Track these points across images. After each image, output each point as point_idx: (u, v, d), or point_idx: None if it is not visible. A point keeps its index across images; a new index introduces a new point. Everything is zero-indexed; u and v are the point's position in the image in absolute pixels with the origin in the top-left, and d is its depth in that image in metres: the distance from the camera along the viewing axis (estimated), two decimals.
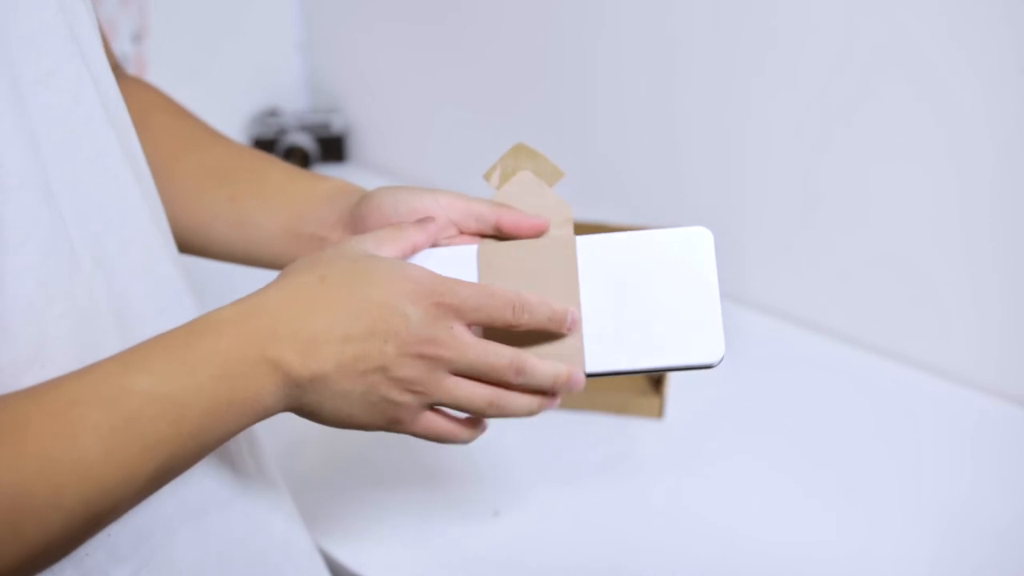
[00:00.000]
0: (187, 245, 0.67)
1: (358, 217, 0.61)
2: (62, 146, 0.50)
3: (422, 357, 0.52)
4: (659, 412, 1.02)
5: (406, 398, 0.53)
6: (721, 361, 0.58)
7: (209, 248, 0.67)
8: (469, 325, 0.54)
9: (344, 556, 0.86)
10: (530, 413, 0.56)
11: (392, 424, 0.55)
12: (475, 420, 0.58)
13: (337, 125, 1.53)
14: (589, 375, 0.58)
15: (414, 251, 0.58)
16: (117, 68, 0.68)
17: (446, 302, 0.53)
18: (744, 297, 1.21)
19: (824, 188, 1.11)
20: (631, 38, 1.19)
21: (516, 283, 0.57)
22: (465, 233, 0.61)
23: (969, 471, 0.96)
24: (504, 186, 0.62)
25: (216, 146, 0.69)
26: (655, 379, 1.07)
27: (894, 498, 0.92)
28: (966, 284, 1.05)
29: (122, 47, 1.25)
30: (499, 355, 0.54)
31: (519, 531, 0.89)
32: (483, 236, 0.61)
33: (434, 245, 0.60)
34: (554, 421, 1.01)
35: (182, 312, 0.58)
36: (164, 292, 0.58)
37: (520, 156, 0.62)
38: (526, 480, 0.94)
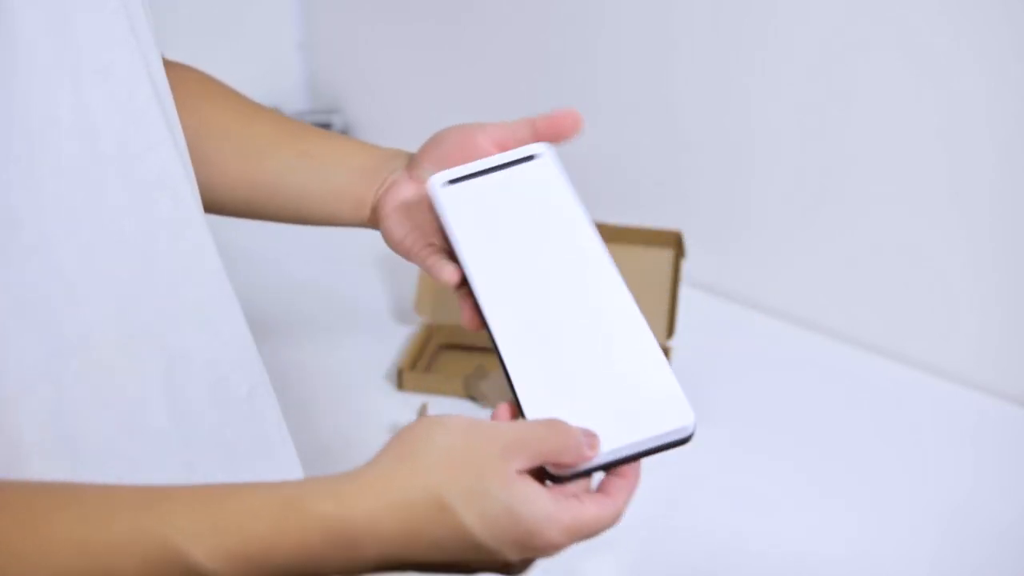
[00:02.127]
0: (250, 205, 0.69)
1: (429, 145, 0.66)
2: (117, 139, 0.51)
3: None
4: None
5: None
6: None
7: (272, 202, 0.69)
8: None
9: None
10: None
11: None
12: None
13: (337, 125, 1.53)
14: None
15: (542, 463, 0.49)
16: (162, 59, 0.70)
17: (548, 552, 0.49)
18: (744, 297, 1.21)
19: (824, 188, 1.11)
20: (631, 38, 1.19)
21: None
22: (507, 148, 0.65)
23: (969, 471, 0.96)
24: None
25: (276, 115, 0.73)
26: None
27: (894, 498, 0.92)
28: (966, 284, 1.05)
29: None
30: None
31: None
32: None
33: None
34: None
35: (225, 306, 0.59)
36: (209, 289, 0.58)
37: None
38: None
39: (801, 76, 1.08)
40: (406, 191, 0.65)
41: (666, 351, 1.07)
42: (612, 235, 1.10)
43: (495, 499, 0.46)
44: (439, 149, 0.66)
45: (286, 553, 0.45)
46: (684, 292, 1.16)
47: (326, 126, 1.52)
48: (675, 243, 1.08)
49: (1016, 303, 1.02)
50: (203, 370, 0.57)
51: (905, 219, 1.07)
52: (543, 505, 0.47)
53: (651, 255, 1.10)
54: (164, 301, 0.54)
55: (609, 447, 0.50)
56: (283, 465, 0.64)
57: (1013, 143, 0.97)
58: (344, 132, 1.53)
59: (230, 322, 0.60)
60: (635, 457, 0.52)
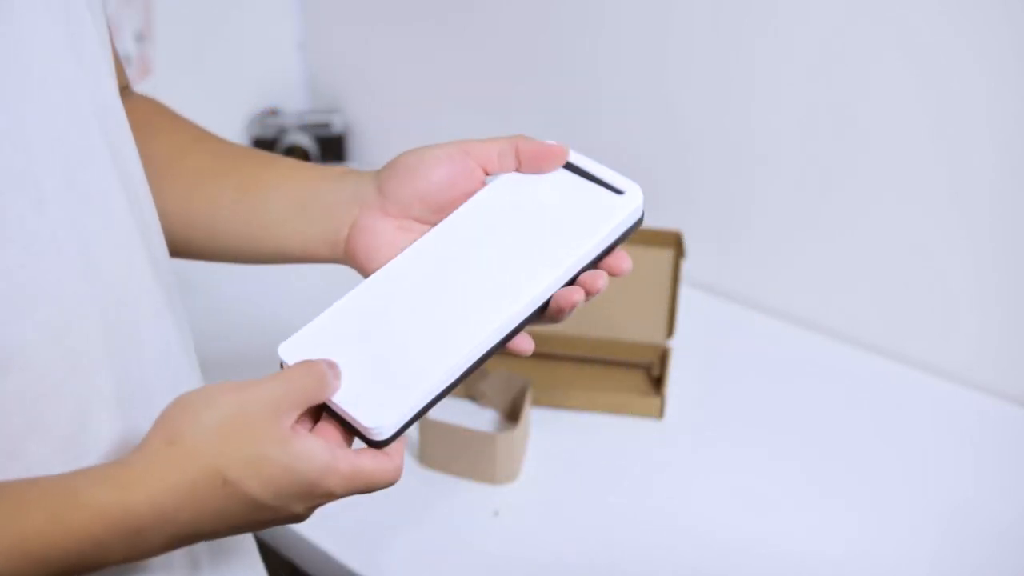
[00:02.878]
0: (191, 245, 0.65)
1: (391, 179, 0.59)
2: (53, 152, 0.49)
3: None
4: (659, 412, 1.02)
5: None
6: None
7: (214, 241, 0.65)
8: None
9: (345, 556, 0.86)
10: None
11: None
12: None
13: (337, 125, 1.53)
14: None
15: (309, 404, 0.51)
16: (126, 89, 0.68)
17: (334, 497, 0.51)
18: (744, 297, 1.21)
19: (824, 188, 1.11)
20: (631, 38, 1.19)
21: None
22: (490, 172, 0.60)
23: (969, 471, 0.96)
24: None
25: (220, 144, 0.68)
26: (655, 379, 1.07)
27: (894, 498, 0.92)
28: (966, 284, 1.05)
29: (125, 47, 1.25)
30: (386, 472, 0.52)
31: (519, 531, 0.89)
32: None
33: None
34: (554, 421, 1.01)
35: (165, 331, 0.57)
36: (149, 310, 0.56)
37: None
38: (526, 480, 0.94)
39: (801, 76, 1.08)
40: (386, 235, 0.59)
41: (666, 351, 1.07)
42: None
43: (274, 462, 0.48)
44: (411, 176, 0.59)
45: (67, 547, 0.45)
46: (684, 292, 1.16)
47: (326, 126, 1.52)
48: (675, 243, 1.08)
49: (1016, 303, 1.02)
50: (146, 391, 0.55)
51: (905, 219, 1.07)
52: (320, 457, 0.48)
53: (651, 255, 1.10)
54: (104, 320, 0.52)
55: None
56: None
57: (1013, 143, 0.97)
58: (344, 132, 1.53)
59: (176, 341, 0.58)
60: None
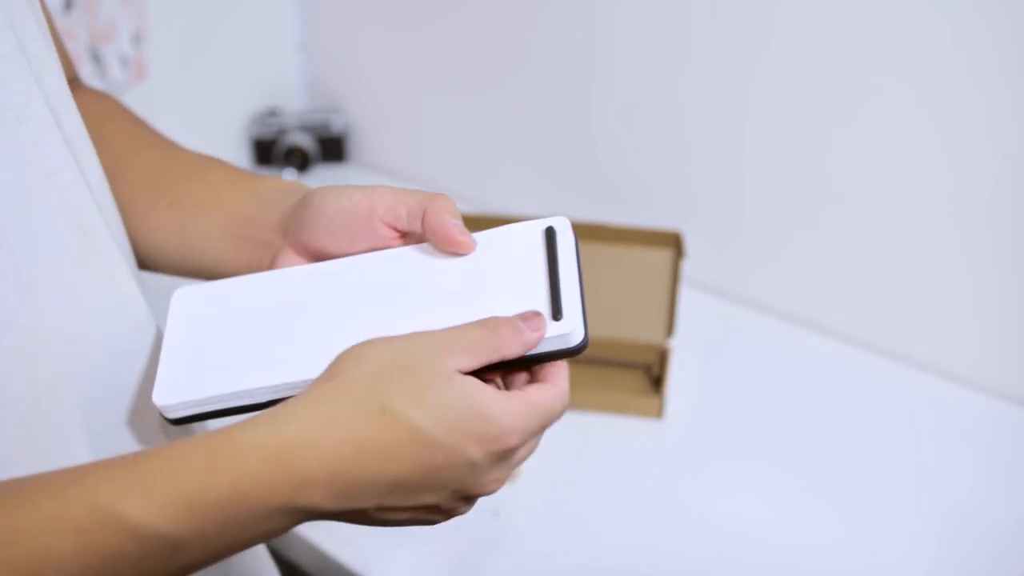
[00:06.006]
0: (139, 261, 0.62)
1: (294, 219, 0.54)
2: (8, 168, 0.47)
3: (478, 496, 0.48)
4: (659, 412, 1.02)
5: (453, 514, 0.49)
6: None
7: (156, 260, 0.62)
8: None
9: (344, 556, 0.86)
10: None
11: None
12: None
13: (337, 125, 1.53)
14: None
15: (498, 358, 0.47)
16: (75, 81, 0.65)
17: (512, 446, 0.46)
18: (745, 297, 1.21)
19: (824, 188, 1.11)
20: (631, 40, 1.19)
21: None
22: (399, 229, 0.53)
23: (969, 471, 0.96)
24: None
25: (160, 152, 0.64)
26: (655, 379, 1.07)
27: (894, 498, 0.92)
28: (966, 284, 1.05)
29: (122, 48, 1.25)
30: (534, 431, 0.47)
31: (519, 531, 0.89)
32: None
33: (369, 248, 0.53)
34: None
35: (143, 342, 0.54)
36: (125, 322, 0.53)
37: None
38: (526, 480, 0.94)
39: (801, 77, 1.08)
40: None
41: (666, 351, 1.07)
42: (612, 235, 1.11)
43: (439, 393, 0.43)
44: (312, 222, 0.54)
45: (224, 488, 0.42)
46: (684, 292, 1.16)
47: (326, 126, 1.52)
48: (675, 243, 1.08)
49: (1016, 304, 1.02)
50: (124, 415, 0.53)
51: (906, 220, 1.07)
52: (489, 394, 0.44)
53: (651, 255, 1.10)
54: (74, 341, 0.50)
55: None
56: None
57: (1013, 144, 0.97)
58: (344, 132, 1.53)
59: (151, 360, 0.55)
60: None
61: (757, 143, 1.14)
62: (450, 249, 0.51)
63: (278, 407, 0.44)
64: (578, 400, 1.03)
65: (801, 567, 0.85)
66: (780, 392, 1.06)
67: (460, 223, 0.52)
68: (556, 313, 0.48)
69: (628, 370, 1.09)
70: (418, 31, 1.41)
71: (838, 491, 0.93)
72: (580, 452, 0.98)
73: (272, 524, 0.43)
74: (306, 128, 1.51)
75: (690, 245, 1.14)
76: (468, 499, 0.48)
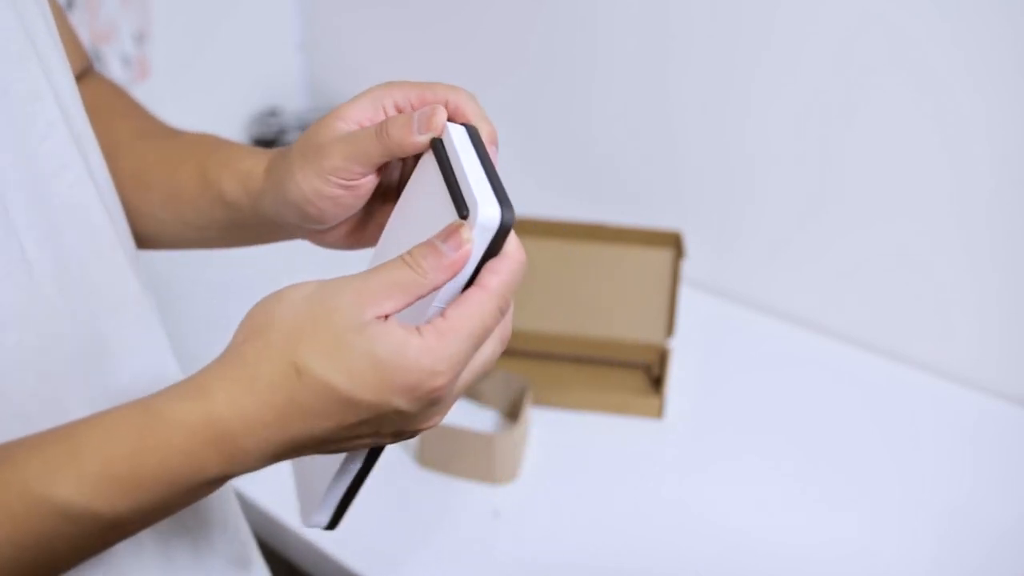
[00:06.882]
0: (140, 237, 0.62)
1: (312, 135, 0.55)
2: (18, 166, 0.47)
3: (415, 431, 0.47)
4: (659, 412, 1.02)
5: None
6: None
7: (156, 233, 0.62)
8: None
9: (344, 556, 0.86)
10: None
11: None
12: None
13: None
14: None
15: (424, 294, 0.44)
16: (90, 70, 0.65)
17: (439, 385, 0.43)
18: (745, 297, 1.21)
19: (824, 188, 1.11)
20: (631, 39, 1.19)
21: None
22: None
23: (969, 471, 0.96)
24: None
25: (160, 143, 0.64)
26: (655, 379, 1.07)
27: (894, 498, 0.92)
28: (966, 284, 1.05)
29: (124, 48, 1.25)
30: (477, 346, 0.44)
31: (519, 531, 0.89)
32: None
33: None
34: (555, 421, 1.01)
35: (148, 338, 0.55)
36: (131, 318, 0.55)
37: None
38: (526, 480, 0.94)
39: (801, 77, 1.08)
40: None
41: (666, 351, 1.07)
42: (612, 235, 1.11)
43: (351, 347, 0.42)
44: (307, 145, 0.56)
45: (155, 465, 0.42)
46: (684, 292, 1.16)
47: None
48: (675, 243, 1.08)
49: (1016, 303, 1.02)
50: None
51: (906, 219, 1.07)
52: (403, 338, 0.42)
53: (651, 255, 1.10)
54: (81, 336, 0.50)
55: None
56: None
57: (1013, 144, 0.97)
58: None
59: (155, 355, 0.57)
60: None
61: (757, 143, 1.14)
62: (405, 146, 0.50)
63: (200, 374, 0.44)
64: (578, 400, 1.03)
65: (801, 567, 0.85)
66: (780, 392, 1.06)
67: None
68: (461, 211, 0.44)
69: (628, 370, 1.09)
70: (418, 31, 1.41)
71: (838, 491, 0.93)
72: (580, 452, 0.98)
73: (209, 489, 0.44)
74: (306, 128, 1.51)
75: (690, 245, 1.14)
76: (412, 434, 0.47)
